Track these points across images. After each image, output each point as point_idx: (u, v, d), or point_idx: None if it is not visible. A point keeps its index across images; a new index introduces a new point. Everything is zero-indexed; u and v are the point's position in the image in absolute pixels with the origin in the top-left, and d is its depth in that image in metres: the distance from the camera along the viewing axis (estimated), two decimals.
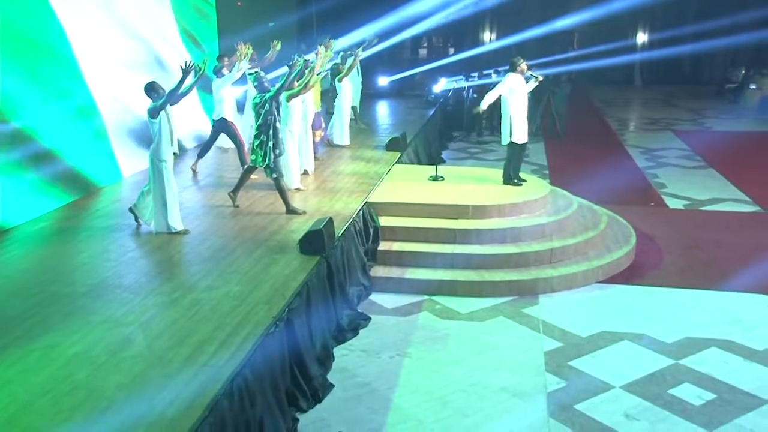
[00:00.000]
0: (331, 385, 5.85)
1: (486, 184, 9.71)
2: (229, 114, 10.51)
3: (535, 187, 9.59)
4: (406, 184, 9.87)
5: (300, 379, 5.62)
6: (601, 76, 27.77)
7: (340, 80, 12.36)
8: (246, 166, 8.96)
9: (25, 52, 8.36)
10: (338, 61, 13.00)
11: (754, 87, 22.21)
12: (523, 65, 9.38)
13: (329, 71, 12.40)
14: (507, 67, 9.62)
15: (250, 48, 10.89)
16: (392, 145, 12.05)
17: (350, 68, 12.60)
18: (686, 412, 5.51)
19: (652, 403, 5.64)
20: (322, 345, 6.29)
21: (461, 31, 27.64)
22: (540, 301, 7.65)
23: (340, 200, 8.88)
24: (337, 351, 6.48)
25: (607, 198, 10.85)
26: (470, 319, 7.23)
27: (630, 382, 5.94)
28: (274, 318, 5.54)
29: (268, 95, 8.24)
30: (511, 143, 9.52)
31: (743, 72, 24.41)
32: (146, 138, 7.84)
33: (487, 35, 28.38)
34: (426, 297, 7.71)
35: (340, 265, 7.31)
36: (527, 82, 9.51)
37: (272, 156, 8.23)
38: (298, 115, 9.54)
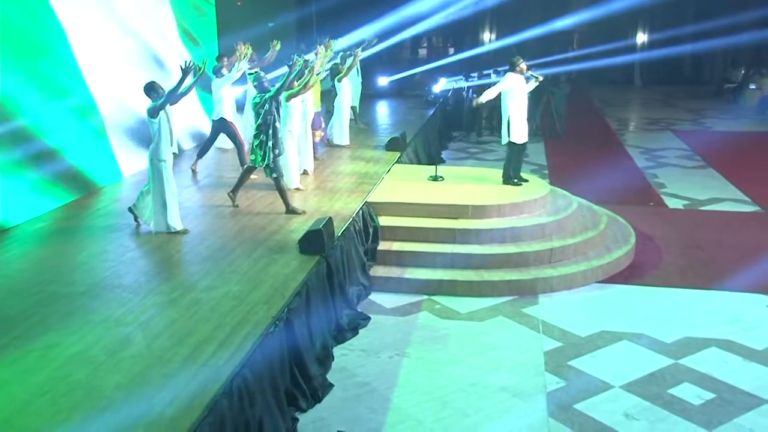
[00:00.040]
0: (331, 385, 5.85)
1: (486, 184, 9.71)
2: (229, 114, 10.51)
3: (534, 187, 9.59)
4: (406, 184, 9.87)
5: (299, 379, 5.62)
6: (601, 76, 27.75)
7: (339, 80, 12.36)
8: (245, 166, 8.96)
9: (24, 52, 8.36)
10: (338, 61, 13.00)
11: (753, 87, 22.18)
12: (523, 65, 9.37)
13: (329, 71, 12.39)
14: (507, 67, 9.62)
15: (250, 48, 10.89)
16: (392, 145, 12.04)
17: (350, 68, 12.60)
18: (686, 412, 5.51)
19: (651, 402, 5.64)
20: (322, 345, 6.29)
21: (461, 31, 27.63)
22: (540, 301, 7.65)
23: (340, 200, 8.88)
24: (337, 351, 6.48)
25: (607, 198, 10.84)
26: (470, 318, 7.23)
27: (629, 382, 5.93)
28: (274, 318, 5.54)
29: (267, 95, 8.24)
30: (510, 143, 9.52)
31: (743, 72, 24.40)
32: (146, 138, 7.83)
33: (486, 35, 28.38)
34: (425, 297, 7.71)
35: (340, 264, 7.31)
36: (527, 82, 9.50)
37: (271, 156, 8.23)
38: (298, 115, 9.54)
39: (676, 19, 26.11)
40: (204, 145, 10.82)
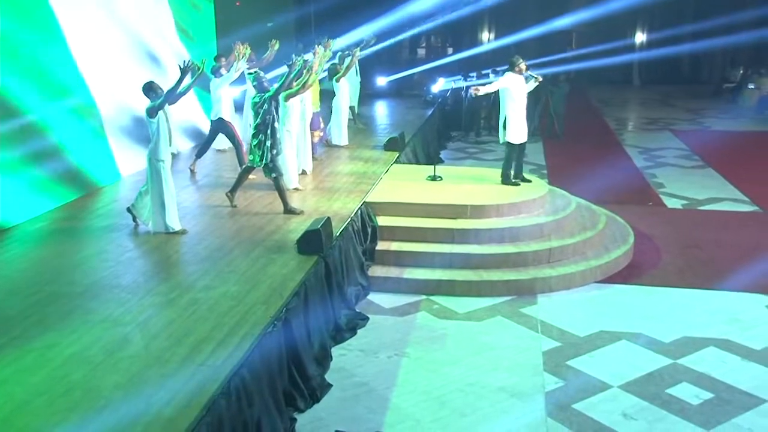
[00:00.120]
0: (329, 385, 5.85)
1: (484, 184, 9.71)
2: (227, 114, 10.51)
3: (533, 186, 9.59)
4: (405, 183, 9.86)
5: (298, 379, 5.62)
6: (600, 75, 27.74)
7: (337, 80, 12.34)
8: (244, 166, 8.96)
9: (23, 51, 8.36)
10: (336, 61, 13.00)
11: (752, 86, 22.19)
12: (522, 65, 9.33)
13: (327, 71, 12.39)
14: (506, 67, 9.61)
15: (248, 48, 10.88)
16: (390, 145, 12.04)
17: (348, 68, 12.59)
18: (684, 412, 5.51)
19: (650, 402, 5.64)
20: (320, 345, 6.29)
21: (459, 31, 27.62)
22: (538, 301, 7.65)
23: (338, 200, 8.88)
24: (335, 351, 6.48)
25: (606, 198, 10.84)
26: (468, 318, 7.23)
27: (628, 382, 5.94)
28: (272, 318, 5.54)
29: (267, 95, 8.24)
30: (508, 143, 9.51)
31: (741, 72, 24.41)
32: (145, 138, 7.83)
33: (485, 35, 28.37)
34: (424, 297, 7.71)
35: (338, 264, 7.30)
36: (527, 82, 9.48)
37: (269, 155, 8.22)
38: (296, 114, 9.54)
39: (674, 19, 26.10)
40: (202, 146, 10.81)
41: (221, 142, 11.21)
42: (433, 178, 9.96)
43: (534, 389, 5.85)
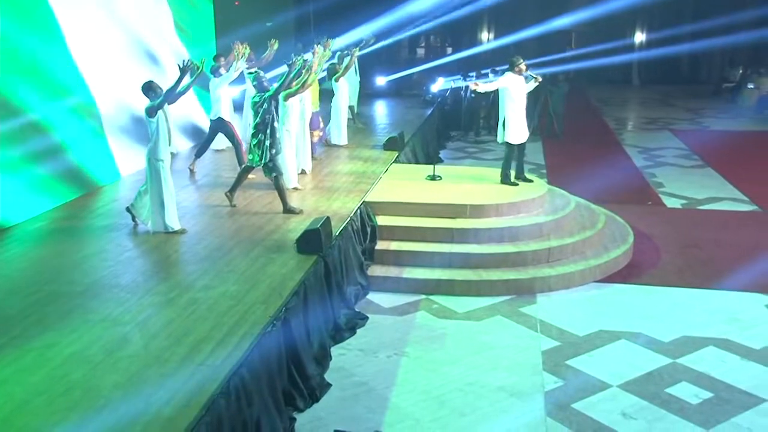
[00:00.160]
0: (329, 385, 5.85)
1: (484, 184, 9.71)
2: (227, 114, 10.50)
3: (532, 186, 9.59)
4: (404, 183, 9.86)
5: (297, 379, 5.62)
6: (599, 75, 27.76)
7: (336, 80, 12.33)
8: (243, 166, 8.95)
9: (23, 51, 8.35)
10: (335, 61, 12.99)
11: (751, 86, 22.20)
12: (522, 65, 9.30)
13: (326, 71, 12.38)
14: (505, 67, 9.60)
15: (247, 48, 10.88)
16: (390, 145, 12.04)
17: (347, 68, 12.57)
18: (683, 411, 5.52)
19: (649, 402, 5.64)
20: (320, 344, 6.29)
21: (459, 31, 27.61)
22: (537, 301, 7.65)
23: (338, 200, 8.87)
24: (335, 350, 6.48)
25: (605, 197, 10.84)
26: (468, 318, 7.23)
27: (627, 381, 5.94)
28: (271, 317, 5.53)
29: (267, 94, 8.24)
30: (507, 143, 9.51)
31: (741, 71, 24.41)
32: (144, 137, 7.83)
33: (484, 35, 28.37)
34: (423, 296, 7.71)
35: (338, 264, 7.30)
36: (527, 83, 9.47)
37: (268, 155, 8.22)
38: (296, 114, 9.54)
39: (674, 19, 26.11)
40: (202, 145, 10.81)
41: (219, 142, 11.21)
42: (433, 177, 9.97)
43: (533, 389, 5.85)
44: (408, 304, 7.54)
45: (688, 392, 5.79)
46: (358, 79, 15.37)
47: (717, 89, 25.64)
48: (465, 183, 9.78)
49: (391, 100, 19.55)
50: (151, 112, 7.35)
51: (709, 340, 6.69)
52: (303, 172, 10.09)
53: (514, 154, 9.66)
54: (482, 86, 9.60)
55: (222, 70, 10.75)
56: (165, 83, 7.83)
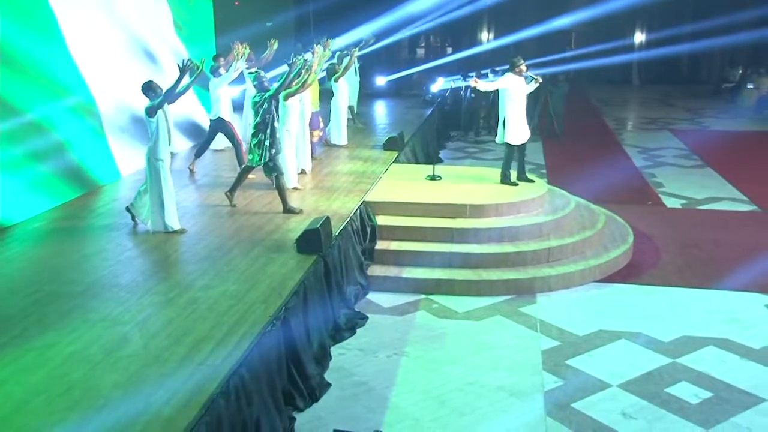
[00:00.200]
0: (328, 384, 5.85)
1: (483, 184, 9.71)
2: (226, 113, 10.50)
3: (532, 186, 9.59)
4: (404, 183, 9.86)
5: (297, 378, 5.62)
6: (599, 75, 27.74)
7: (336, 80, 12.32)
8: (243, 166, 8.95)
9: (22, 50, 8.35)
10: (334, 61, 12.99)
11: (751, 86, 22.20)
12: (523, 66, 9.27)
13: (326, 71, 12.38)
14: (505, 67, 9.59)
15: (247, 47, 10.88)
16: (390, 145, 12.04)
17: (346, 68, 12.56)
18: (683, 411, 5.52)
19: (649, 401, 5.64)
20: (319, 344, 6.29)
21: (459, 31, 27.61)
22: (537, 300, 7.65)
23: (338, 199, 8.87)
24: (334, 350, 6.48)
25: (605, 197, 10.84)
26: (467, 318, 7.23)
27: (627, 381, 5.94)
28: (271, 317, 5.53)
29: (267, 94, 8.24)
30: (507, 144, 9.50)
31: (740, 71, 24.41)
32: (144, 137, 7.83)
33: (484, 35, 28.37)
34: (423, 296, 7.71)
35: (338, 264, 7.30)
36: (527, 83, 9.46)
37: (268, 155, 8.22)
38: (296, 114, 9.54)
39: (674, 19, 26.11)
40: (202, 145, 10.81)
41: (219, 142, 11.21)
42: (433, 177, 9.96)
43: (533, 388, 5.85)
44: (408, 303, 7.54)
45: (687, 392, 5.79)
46: (358, 79, 15.37)
47: (717, 89, 25.64)
48: (465, 183, 9.78)
49: (391, 100, 19.55)
50: (150, 111, 7.35)
51: (709, 340, 6.69)
52: (303, 171, 10.09)
53: (514, 155, 9.66)
54: (482, 85, 9.58)
55: (222, 70, 10.75)
56: (165, 83, 7.82)
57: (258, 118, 8.22)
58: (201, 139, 11.60)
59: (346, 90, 12.56)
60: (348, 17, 17.36)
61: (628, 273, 8.43)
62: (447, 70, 18.80)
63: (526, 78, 9.41)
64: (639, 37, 28.83)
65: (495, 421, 5.40)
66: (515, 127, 9.36)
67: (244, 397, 4.73)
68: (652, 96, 26.04)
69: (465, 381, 5.94)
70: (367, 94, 18.62)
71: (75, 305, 5.81)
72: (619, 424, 5.35)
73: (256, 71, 8.68)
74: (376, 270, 8.08)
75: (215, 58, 11.07)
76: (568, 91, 17.61)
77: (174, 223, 7.66)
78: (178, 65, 7.60)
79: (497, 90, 9.56)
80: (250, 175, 9.02)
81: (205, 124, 11.94)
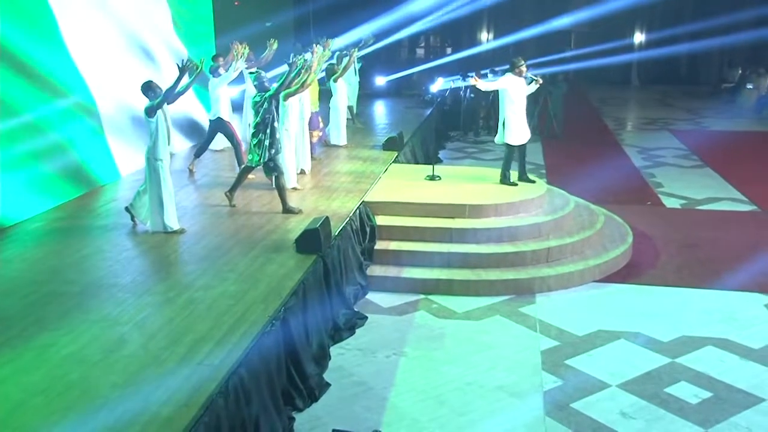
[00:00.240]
0: (328, 384, 5.85)
1: (483, 184, 9.70)
2: (226, 113, 10.50)
3: (531, 186, 9.58)
4: (403, 183, 9.86)
5: (296, 378, 5.62)
6: (598, 75, 27.75)
7: (335, 80, 12.32)
8: (243, 166, 8.94)
9: (22, 50, 8.35)
10: (334, 61, 12.99)
11: (750, 87, 22.22)
12: (523, 67, 9.25)
13: (324, 71, 12.38)
14: (504, 67, 9.58)
15: (247, 47, 10.88)
16: (389, 145, 12.04)
17: (345, 68, 12.56)
18: (682, 411, 5.51)
19: (648, 401, 5.64)
20: (319, 344, 6.28)
21: (458, 31, 27.61)
22: (537, 300, 7.65)
23: (337, 199, 8.87)
24: (334, 350, 6.48)
25: (604, 197, 10.85)
26: (467, 318, 7.23)
27: (626, 381, 5.94)
28: (270, 317, 5.53)
29: (267, 94, 8.24)
30: (507, 144, 9.50)
31: (740, 72, 24.43)
32: (144, 137, 7.82)
33: (484, 35, 28.37)
34: (422, 296, 7.71)
35: (337, 264, 7.30)
36: (528, 84, 9.44)
37: (268, 154, 8.21)
38: (295, 114, 9.53)
39: (673, 19, 26.12)
40: (201, 145, 10.81)
41: (218, 142, 11.21)
42: (432, 177, 9.96)
43: (532, 388, 5.85)
44: (407, 303, 7.54)
45: (687, 392, 5.79)
46: (358, 79, 15.37)
47: (716, 90, 25.65)
48: (464, 183, 9.78)
49: (391, 100, 19.56)
50: (150, 111, 7.35)
51: (708, 340, 6.69)
52: (302, 171, 10.09)
53: (514, 155, 9.66)
54: (482, 84, 9.57)
55: (221, 70, 10.74)
56: (164, 83, 7.82)
57: (258, 118, 8.21)
58: (200, 139, 11.60)
59: (344, 90, 12.56)
60: (347, 17, 17.36)
61: (627, 273, 8.43)
62: (446, 70, 18.80)
63: (526, 79, 9.39)
64: (638, 38, 28.83)
65: (494, 420, 5.39)
66: (515, 127, 9.36)
67: (243, 397, 4.72)
68: (651, 96, 26.05)
69: (464, 381, 5.94)
70: (366, 94, 18.63)
71: (74, 305, 5.80)
72: (618, 423, 5.34)
73: (256, 71, 8.68)
74: (375, 270, 8.08)
75: (214, 58, 11.07)
76: (566, 91, 17.61)
77: (173, 223, 7.65)
78: (178, 65, 7.60)
79: (497, 90, 9.56)
80: (250, 176, 9.02)
81: (205, 124, 11.94)
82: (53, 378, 4.63)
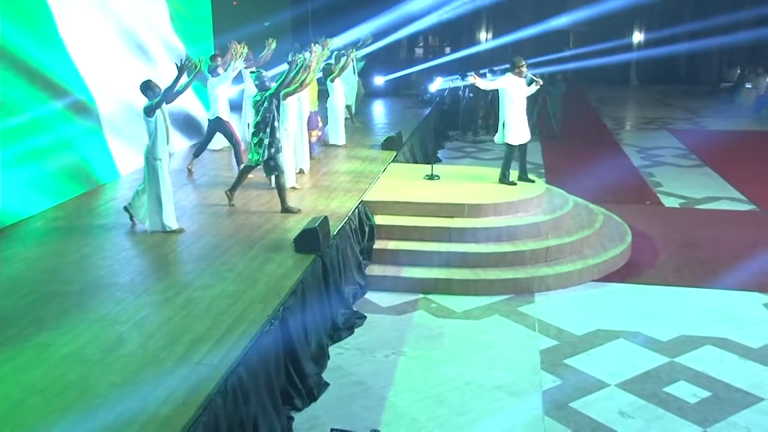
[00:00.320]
0: (326, 384, 5.84)
1: (482, 183, 9.70)
2: (225, 113, 10.49)
3: (530, 186, 9.59)
4: (402, 182, 9.85)
5: (295, 378, 5.61)
6: (597, 75, 27.78)
7: (332, 80, 12.31)
8: (243, 165, 8.93)
9: (21, 50, 8.34)
10: (332, 61, 12.98)
11: (749, 86, 22.24)
12: (523, 67, 9.23)
13: (322, 71, 12.37)
14: (502, 67, 9.58)
15: (245, 47, 10.87)
16: (388, 144, 12.04)
17: (342, 68, 12.53)
18: (681, 410, 5.51)
19: (647, 401, 5.64)
20: (317, 343, 6.28)
21: (457, 31, 27.62)
22: (536, 300, 7.65)
23: (336, 199, 8.87)
24: (333, 349, 6.47)
25: (603, 197, 10.86)
26: (466, 317, 7.23)
27: (625, 380, 5.94)
28: (269, 316, 5.53)
29: (268, 93, 8.23)
30: (507, 144, 9.49)
31: (739, 71, 24.46)
32: (143, 136, 7.81)
33: (482, 35, 28.38)
34: (421, 295, 7.70)
35: (336, 263, 7.30)
36: (528, 85, 9.43)
37: (267, 153, 8.20)
38: (294, 113, 9.53)
39: (672, 19, 26.14)
40: (200, 145, 10.81)
41: (217, 142, 11.20)
42: (431, 177, 9.96)
43: (531, 388, 5.84)
44: (406, 303, 7.54)
45: (686, 391, 5.78)
46: (357, 78, 15.36)
47: (715, 89, 25.67)
48: (463, 182, 9.78)
49: (390, 99, 19.55)
50: (149, 111, 7.34)
51: (707, 339, 6.69)
52: (301, 171, 10.09)
53: (514, 155, 9.65)
54: (481, 83, 9.55)
55: (220, 70, 10.73)
56: (163, 82, 7.81)
57: (258, 117, 8.21)
58: (200, 138, 11.58)
59: (341, 90, 12.55)
60: (346, 17, 17.36)
61: (626, 272, 8.43)
62: (445, 70, 18.82)
63: (526, 79, 9.38)
64: (637, 37, 28.85)
65: (493, 420, 5.39)
66: (515, 127, 9.35)
67: (242, 397, 4.72)
68: (650, 96, 26.07)
69: (463, 380, 5.94)
70: (365, 94, 18.61)
71: (72, 304, 5.80)
72: (617, 423, 5.34)
73: (257, 70, 8.68)
74: (374, 269, 8.07)
75: (213, 58, 11.06)
76: (565, 91, 17.62)
77: (172, 223, 7.65)
78: (177, 64, 7.59)
79: (496, 90, 9.55)
80: (249, 175, 9.01)
81: (204, 123, 11.93)
82: (52, 377, 4.62)
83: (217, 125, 10.43)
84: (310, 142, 10.70)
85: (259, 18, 16.88)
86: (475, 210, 8.67)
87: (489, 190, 9.29)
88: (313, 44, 11.37)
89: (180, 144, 12.14)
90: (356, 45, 14.15)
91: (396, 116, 16.82)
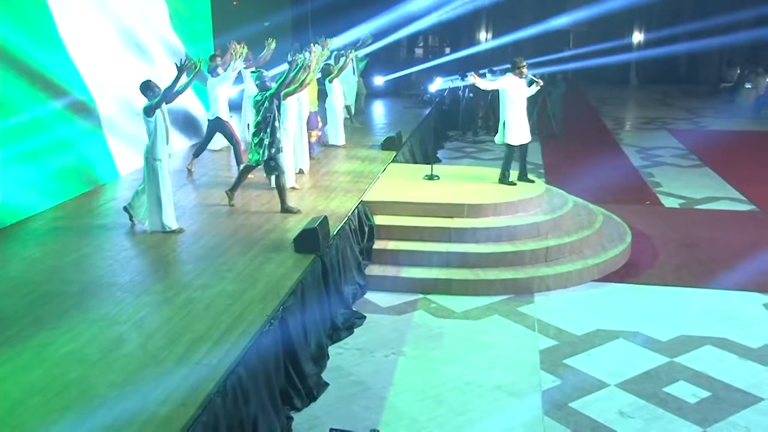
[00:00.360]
0: (326, 384, 5.84)
1: (481, 183, 9.70)
2: (225, 113, 10.49)
3: (530, 186, 9.59)
4: (402, 182, 9.86)
5: (294, 378, 5.61)
6: (597, 75, 27.78)
7: (330, 81, 12.30)
8: (244, 165, 8.93)
9: (20, 49, 8.33)
10: (331, 61, 12.98)
11: (749, 86, 22.25)
12: (524, 68, 9.23)
13: (321, 71, 12.36)
14: (502, 67, 9.58)
15: (245, 47, 10.87)
16: (387, 145, 12.04)
17: (341, 68, 12.53)
18: (681, 410, 5.51)
19: (646, 401, 5.64)
20: (317, 343, 6.28)
21: (457, 31, 27.62)
22: (535, 300, 7.65)
23: (336, 199, 8.87)
24: (332, 349, 6.47)
25: (603, 197, 10.86)
26: (465, 317, 7.23)
27: (625, 380, 5.94)
28: (269, 316, 5.53)
29: (268, 93, 8.23)
30: (507, 144, 9.49)
31: (738, 71, 24.46)
32: (143, 136, 7.82)
33: (482, 35, 28.38)
34: (421, 295, 7.71)
35: (335, 263, 7.30)
36: (528, 86, 9.43)
37: (267, 153, 8.20)
38: (293, 113, 9.53)
39: (672, 19, 26.14)
40: (200, 145, 10.81)
41: (217, 142, 11.20)
42: (431, 177, 9.96)
43: (531, 388, 5.85)
44: (405, 303, 7.54)
45: (685, 391, 5.79)
46: (357, 78, 15.36)
47: (715, 89, 25.68)
48: (463, 182, 9.78)
49: (389, 99, 19.56)
50: (149, 111, 7.34)
51: (707, 339, 6.69)
52: (301, 171, 10.09)
53: (514, 155, 9.65)
54: (481, 83, 9.55)
55: (219, 70, 10.73)
56: (163, 82, 7.81)
57: (259, 117, 8.21)
58: (199, 138, 11.58)
59: (340, 90, 12.56)
60: (345, 17, 17.36)
61: (625, 272, 8.43)
62: (445, 70, 18.81)
63: (526, 79, 9.38)
64: (637, 37, 28.86)
65: (492, 420, 5.39)
66: (515, 127, 9.35)
67: (242, 397, 4.72)
68: (650, 96, 26.06)
69: (462, 380, 5.94)
70: (365, 94, 18.61)
71: (72, 304, 5.80)
72: (616, 423, 5.34)
73: (258, 70, 8.68)
74: (374, 269, 8.07)
75: (212, 58, 11.07)
76: (564, 91, 17.62)
77: (172, 223, 7.65)
78: (176, 64, 7.59)
79: (497, 90, 9.55)
80: (249, 175, 9.01)
81: (204, 123, 11.93)
82: (52, 377, 4.63)
83: (217, 125, 10.43)
84: (309, 142, 10.71)
85: (258, 18, 16.89)
86: (474, 210, 8.68)
87: (489, 191, 9.29)
88: (312, 44, 11.37)
89: (180, 144, 12.15)
90: (356, 45, 14.14)
91: (396, 116, 16.82)
